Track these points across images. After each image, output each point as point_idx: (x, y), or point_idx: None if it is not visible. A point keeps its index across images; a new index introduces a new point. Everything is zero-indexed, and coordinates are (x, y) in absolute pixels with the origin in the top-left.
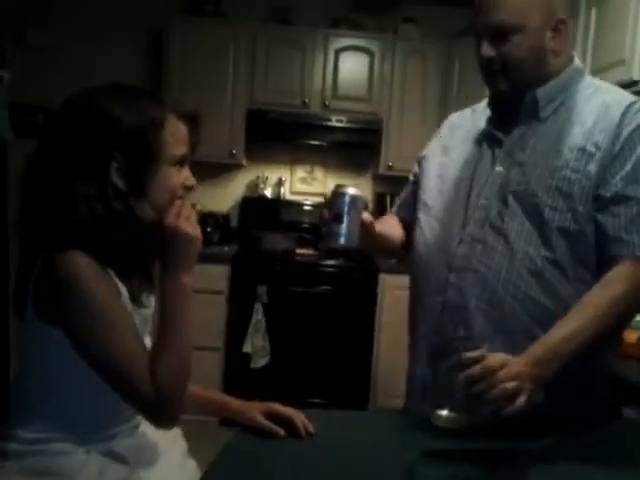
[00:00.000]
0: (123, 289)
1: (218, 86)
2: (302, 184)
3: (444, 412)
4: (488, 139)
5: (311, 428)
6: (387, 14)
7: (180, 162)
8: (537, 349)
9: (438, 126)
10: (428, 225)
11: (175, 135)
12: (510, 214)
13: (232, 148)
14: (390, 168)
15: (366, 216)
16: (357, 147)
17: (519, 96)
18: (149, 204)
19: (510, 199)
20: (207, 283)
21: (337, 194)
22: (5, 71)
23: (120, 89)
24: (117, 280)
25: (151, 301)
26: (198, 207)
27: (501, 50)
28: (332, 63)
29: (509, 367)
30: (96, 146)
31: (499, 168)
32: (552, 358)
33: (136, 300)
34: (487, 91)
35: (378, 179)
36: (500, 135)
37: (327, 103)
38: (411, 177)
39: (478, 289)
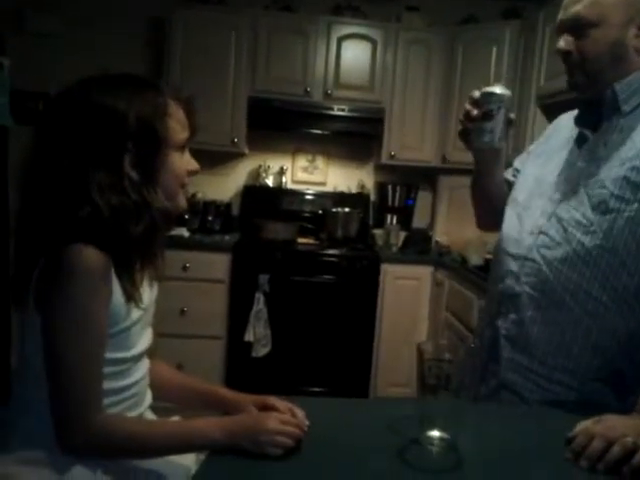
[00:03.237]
0: (117, 288)
1: (220, 74)
2: (304, 173)
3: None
4: (578, 138)
5: (306, 422)
6: (390, 2)
7: (183, 146)
8: None
9: (440, 116)
10: (509, 219)
11: (177, 120)
12: (576, 206)
13: (234, 137)
14: (392, 157)
15: (512, 114)
16: (359, 136)
17: (600, 92)
18: (160, 192)
19: (580, 191)
20: (208, 272)
21: (487, 92)
22: (5, 58)
23: (119, 79)
24: (114, 278)
25: (154, 290)
26: (200, 195)
27: (579, 44)
28: (334, 51)
29: (625, 421)
30: (108, 141)
31: (580, 164)
32: None
33: (132, 298)
34: (492, 81)
35: (380, 168)
36: (587, 132)
37: (329, 92)
38: (516, 164)
39: (532, 278)
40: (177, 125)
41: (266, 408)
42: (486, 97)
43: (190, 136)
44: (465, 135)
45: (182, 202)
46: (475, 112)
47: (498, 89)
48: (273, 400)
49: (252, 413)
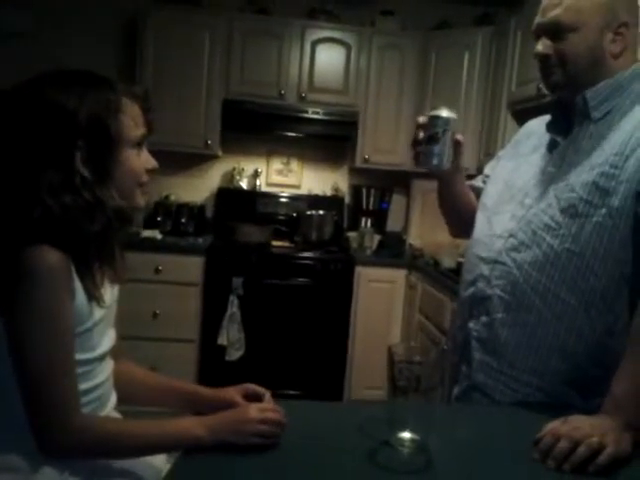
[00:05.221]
0: (79, 288)
1: (194, 76)
2: (278, 176)
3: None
4: (549, 143)
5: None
6: (365, 6)
7: (139, 144)
8: (611, 400)
9: (413, 120)
10: (479, 223)
11: (132, 116)
12: (545, 209)
13: (207, 139)
14: (366, 161)
15: (459, 136)
16: (333, 139)
17: (576, 93)
18: (115, 190)
19: (550, 194)
20: (182, 275)
21: (433, 115)
22: None
23: (69, 77)
24: (75, 277)
25: (115, 290)
26: (173, 197)
27: (557, 47)
28: (309, 54)
29: (591, 421)
30: (58, 140)
31: (551, 169)
32: (629, 401)
33: (93, 297)
34: (464, 86)
35: (354, 171)
36: (558, 138)
37: (303, 95)
38: (486, 170)
39: (503, 281)
40: (131, 122)
41: (248, 394)
42: (432, 120)
43: (147, 133)
44: (416, 159)
45: (139, 201)
46: (421, 135)
47: (444, 112)
48: (253, 387)
49: (236, 406)
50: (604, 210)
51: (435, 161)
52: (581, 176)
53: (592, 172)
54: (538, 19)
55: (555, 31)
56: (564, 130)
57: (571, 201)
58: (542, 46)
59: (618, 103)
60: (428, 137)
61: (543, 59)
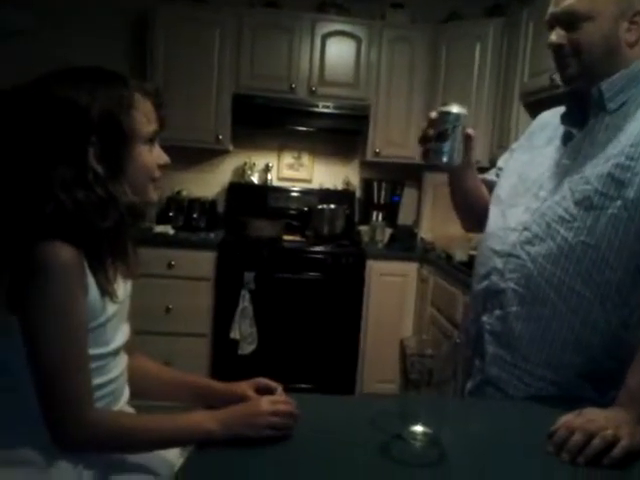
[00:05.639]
0: (92, 283)
1: (204, 71)
2: (289, 170)
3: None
4: (564, 135)
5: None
6: None
7: (151, 139)
8: (625, 393)
9: (424, 113)
10: (493, 216)
11: (144, 112)
12: (559, 201)
13: (218, 134)
14: (377, 154)
15: (469, 130)
16: (344, 133)
17: (592, 83)
18: (127, 186)
19: (564, 187)
20: (194, 269)
21: (442, 112)
22: None
23: (81, 73)
24: (88, 272)
25: (128, 285)
26: (184, 193)
27: (571, 37)
28: (319, 48)
29: (605, 414)
30: (71, 136)
31: (565, 161)
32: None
33: (106, 293)
34: (476, 78)
35: (365, 165)
36: (573, 131)
37: (314, 89)
38: (500, 163)
39: (517, 274)
40: (144, 118)
41: (260, 388)
42: (442, 117)
43: (159, 129)
44: (425, 155)
45: (152, 196)
46: (431, 132)
47: (454, 108)
48: (265, 381)
49: (248, 400)
50: (619, 202)
51: (445, 158)
52: (596, 168)
53: (607, 164)
54: (551, 9)
55: (569, 21)
56: (579, 122)
57: (586, 193)
58: (556, 36)
59: (634, 94)
60: (438, 134)
61: (557, 49)
